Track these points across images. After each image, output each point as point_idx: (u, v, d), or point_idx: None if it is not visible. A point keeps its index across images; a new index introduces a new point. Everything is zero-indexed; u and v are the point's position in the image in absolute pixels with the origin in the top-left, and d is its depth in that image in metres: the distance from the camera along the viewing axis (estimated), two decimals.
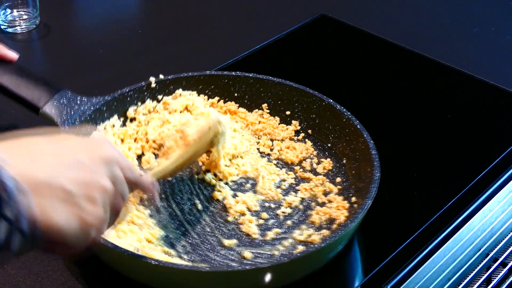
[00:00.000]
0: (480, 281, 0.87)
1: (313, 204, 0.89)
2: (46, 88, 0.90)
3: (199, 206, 0.87)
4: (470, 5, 1.45)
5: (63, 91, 0.91)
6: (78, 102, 0.90)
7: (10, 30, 1.27)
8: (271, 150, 0.98)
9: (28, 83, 0.90)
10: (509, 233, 0.95)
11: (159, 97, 0.98)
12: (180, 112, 0.98)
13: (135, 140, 0.96)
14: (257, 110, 1.02)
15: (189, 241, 0.82)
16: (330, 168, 0.95)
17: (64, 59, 1.24)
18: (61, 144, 0.57)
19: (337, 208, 0.87)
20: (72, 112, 0.89)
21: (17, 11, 1.27)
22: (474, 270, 0.88)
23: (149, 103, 0.98)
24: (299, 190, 0.91)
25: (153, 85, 0.97)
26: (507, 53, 1.30)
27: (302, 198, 0.90)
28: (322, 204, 0.89)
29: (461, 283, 0.86)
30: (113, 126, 0.94)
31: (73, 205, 0.54)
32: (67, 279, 0.80)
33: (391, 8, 1.44)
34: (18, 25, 1.27)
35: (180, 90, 0.99)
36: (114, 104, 0.94)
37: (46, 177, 0.53)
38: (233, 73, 1.01)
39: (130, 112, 0.96)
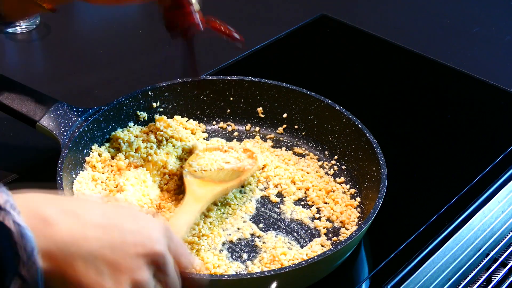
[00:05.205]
0: (480, 281, 0.87)
1: (319, 206, 0.90)
2: (41, 101, 0.90)
3: None
4: (470, 5, 1.45)
5: (59, 103, 0.90)
6: (75, 113, 0.90)
7: (10, 30, 1.27)
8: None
9: (22, 97, 0.89)
10: (509, 233, 0.95)
11: (154, 104, 0.98)
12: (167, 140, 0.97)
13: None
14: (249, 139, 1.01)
15: None
16: (335, 169, 0.95)
17: (64, 59, 1.24)
18: (113, 217, 0.57)
19: (346, 208, 0.88)
20: (70, 124, 0.88)
21: None
22: (474, 270, 0.88)
23: (136, 128, 0.97)
24: (307, 196, 0.91)
25: (149, 93, 0.97)
26: (507, 53, 1.30)
27: (309, 203, 0.91)
28: (328, 206, 0.89)
29: (461, 283, 0.86)
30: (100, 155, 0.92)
31: (96, 283, 0.54)
32: None
33: (391, 8, 1.44)
34: (18, 25, 1.27)
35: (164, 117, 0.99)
36: (110, 113, 0.93)
37: (87, 252, 0.53)
38: (228, 77, 1.00)
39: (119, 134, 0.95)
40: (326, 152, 0.97)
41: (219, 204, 0.87)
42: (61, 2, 0.85)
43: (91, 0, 0.85)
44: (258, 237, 0.85)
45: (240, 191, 0.90)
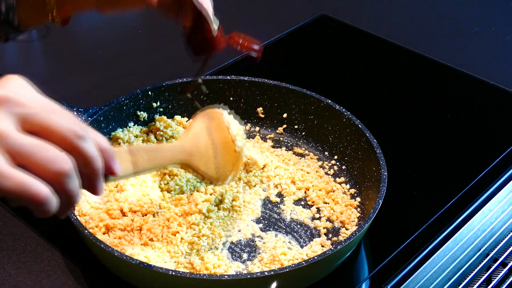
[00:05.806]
0: (480, 281, 0.87)
1: (319, 206, 0.90)
2: None
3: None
4: (470, 5, 1.45)
5: (59, 103, 0.90)
6: (75, 113, 0.89)
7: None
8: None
9: None
10: (509, 233, 0.95)
11: (154, 104, 0.98)
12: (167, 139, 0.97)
13: None
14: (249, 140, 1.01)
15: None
16: (335, 169, 0.95)
17: (64, 59, 1.24)
18: None
19: (346, 208, 0.88)
20: None
21: None
22: (474, 270, 0.88)
23: (136, 128, 0.97)
24: (307, 196, 0.91)
25: (149, 93, 0.97)
26: (507, 53, 1.30)
27: (309, 203, 0.91)
28: (328, 206, 0.89)
29: (461, 283, 0.86)
30: None
31: None
32: (67, 279, 0.80)
33: (391, 8, 1.44)
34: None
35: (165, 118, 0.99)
36: (110, 113, 0.93)
37: None
38: (228, 77, 1.00)
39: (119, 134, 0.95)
40: (326, 152, 0.97)
41: (221, 209, 0.87)
42: (71, 12, 0.84)
43: (102, 9, 0.84)
44: (258, 237, 0.85)
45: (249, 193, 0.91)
